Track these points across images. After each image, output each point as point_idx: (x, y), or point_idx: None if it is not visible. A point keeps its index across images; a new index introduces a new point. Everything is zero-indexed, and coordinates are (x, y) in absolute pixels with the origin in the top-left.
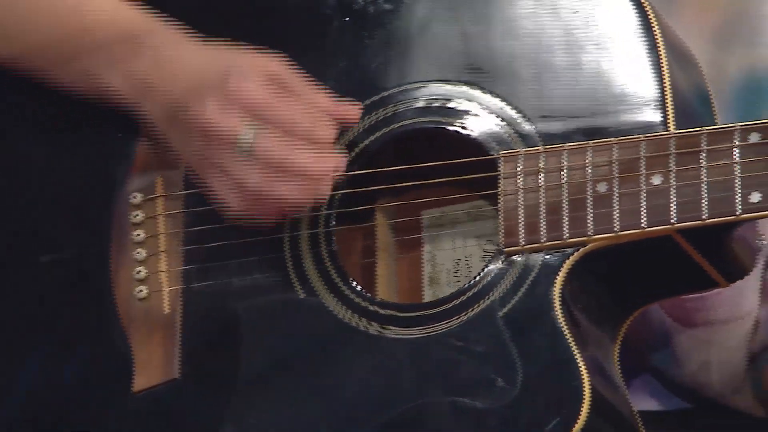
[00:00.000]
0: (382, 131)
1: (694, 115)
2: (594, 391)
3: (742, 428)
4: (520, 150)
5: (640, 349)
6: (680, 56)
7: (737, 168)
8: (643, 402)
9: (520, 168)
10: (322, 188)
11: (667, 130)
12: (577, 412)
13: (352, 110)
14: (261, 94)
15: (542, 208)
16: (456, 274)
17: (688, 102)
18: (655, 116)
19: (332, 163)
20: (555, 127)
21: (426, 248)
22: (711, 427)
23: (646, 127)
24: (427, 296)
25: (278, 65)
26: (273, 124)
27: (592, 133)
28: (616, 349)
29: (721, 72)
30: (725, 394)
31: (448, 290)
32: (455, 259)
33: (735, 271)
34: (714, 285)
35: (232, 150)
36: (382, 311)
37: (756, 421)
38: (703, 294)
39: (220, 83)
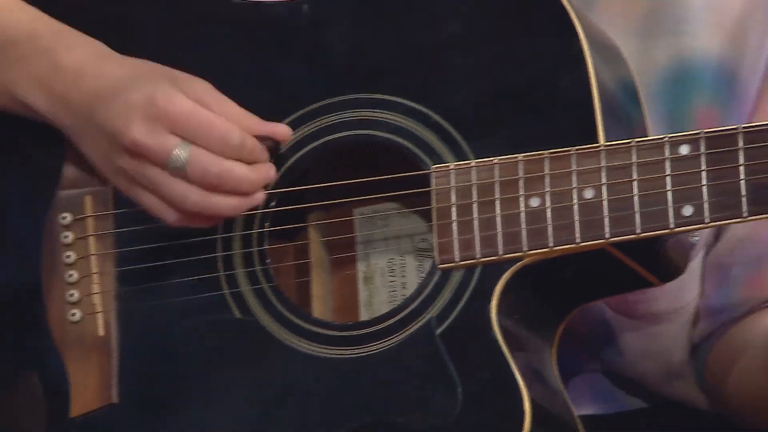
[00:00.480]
0: (310, 146)
1: (622, 110)
2: (534, 404)
3: (688, 429)
4: (452, 164)
5: (585, 345)
6: (604, 51)
7: (669, 181)
8: (585, 406)
9: (452, 183)
10: (258, 197)
11: (594, 135)
12: (520, 429)
13: (280, 127)
14: (189, 111)
15: (476, 224)
16: (391, 274)
17: (615, 97)
18: (582, 114)
19: (265, 172)
20: (484, 135)
21: (359, 248)
22: (656, 428)
23: (574, 125)
24: (363, 304)
25: (202, 84)
26: (203, 139)
27: (522, 138)
28: (554, 351)
29: (648, 63)
30: (669, 383)
31: (384, 293)
32: (389, 258)
33: (669, 272)
34: (648, 285)
35: (164, 167)
36: (319, 330)
37: (701, 421)
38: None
39: (146, 102)
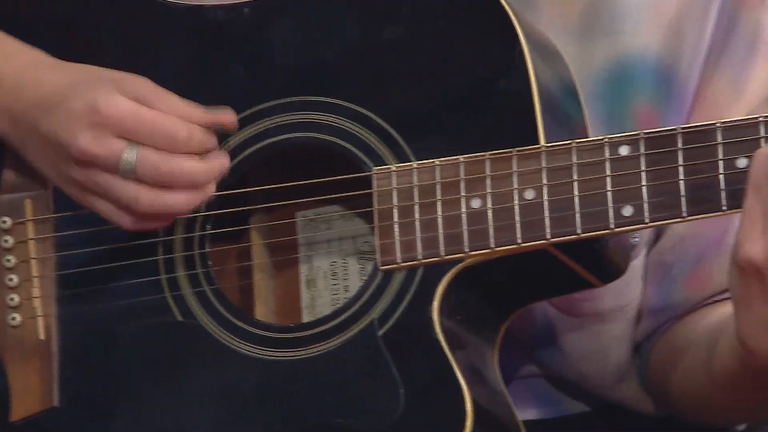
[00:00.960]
0: (253, 149)
1: (562, 110)
2: (476, 405)
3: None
4: (393, 166)
5: (526, 347)
6: (544, 52)
7: (609, 182)
8: (527, 410)
9: (394, 184)
10: (210, 188)
11: (535, 136)
12: (461, 429)
13: (225, 113)
14: (132, 112)
15: (417, 225)
16: (333, 276)
17: (555, 98)
18: (522, 115)
19: (217, 163)
20: (426, 137)
21: (302, 250)
22: (599, 431)
23: (514, 126)
24: (305, 307)
25: (142, 82)
26: (150, 139)
27: (463, 139)
28: (496, 352)
29: (587, 63)
30: (611, 385)
31: (326, 295)
32: (332, 261)
33: (610, 273)
34: (589, 286)
35: (114, 172)
36: (261, 332)
37: (644, 424)
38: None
39: (88, 110)
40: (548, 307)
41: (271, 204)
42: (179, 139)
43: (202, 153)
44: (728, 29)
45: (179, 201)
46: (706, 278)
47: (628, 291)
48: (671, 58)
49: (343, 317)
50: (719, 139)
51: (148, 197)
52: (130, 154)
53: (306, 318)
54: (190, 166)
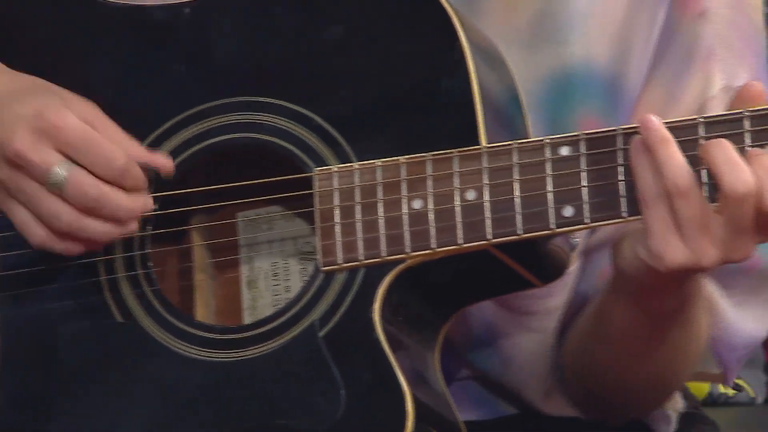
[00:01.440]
0: (194, 149)
1: (504, 115)
2: (417, 405)
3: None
4: (335, 167)
5: (463, 351)
6: (487, 56)
7: (549, 182)
8: (463, 411)
9: (335, 185)
10: (131, 226)
11: (476, 137)
12: (402, 430)
13: (162, 158)
14: (78, 127)
15: (359, 226)
16: (274, 277)
17: (497, 101)
18: (463, 116)
19: (142, 204)
20: (367, 138)
21: (243, 251)
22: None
23: (456, 126)
24: (247, 308)
25: (90, 106)
26: (87, 159)
27: (405, 140)
28: (437, 353)
29: (532, 72)
30: (545, 402)
31: (268, 296)
32: (273, 262)
33: (551, 273)
34: (530, 286)
35: (42, 183)
36: (202, 334)
37: (580, 426)
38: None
39: (34, 115)
40: (487, 311)
41: (212, 205)
42: (115, 167)
43: (131, 189)
44: (668, 39)
45: (98, 230)
46: None
47: (562, 293)
48: (618, 68)
49: (284, 318)
50: None
51: (69, 217)
52: (62, 170)
53: (247, 319)
54: (117, 198)
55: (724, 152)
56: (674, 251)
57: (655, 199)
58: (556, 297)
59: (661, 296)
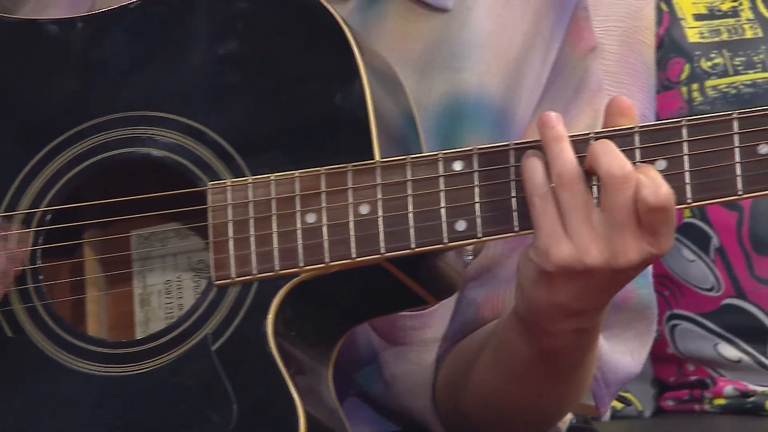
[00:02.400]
0: (86, 163)
1: (399, 134)
2: (309, 420)
3: None
4: (228, 181)
5: (347, 369)
6: (382, 76)
7: (443, 197)
8: (356, 426)
9: (228, 200)
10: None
11: (371, 152)
12: None
13: (19, 251)
14: None
15: (252, 240)
16: (167, 293)
17: (392, 119)
18: (358, 131)
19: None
20: (261, 152)
21: (135, 266)
22: None
23: (350, 141)
24: (139, 323)
25: None
26: None
27: (299, 155)
28: (331, 369)
29: (425, 96)
30: (435, 420)
31: (160, 312)
32: (166, 277)
33: (444, 290)
34: (424, 304)
35: None
36: (94, 348)
37: None
38: (418, 312)
39: None
40: (373, 336)
41: (104, 219)
42: None
43: None
44: (558, 74)
45: None
46: (500, 302)
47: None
48: (509, 98)
49: (176, 332)
50: None
51: None
52: None
53: (140, 335)
54: None
55: (605, 146)
56: (559, 245)
57: (543, 197)
58: (432, 329)
59: (553, 324)
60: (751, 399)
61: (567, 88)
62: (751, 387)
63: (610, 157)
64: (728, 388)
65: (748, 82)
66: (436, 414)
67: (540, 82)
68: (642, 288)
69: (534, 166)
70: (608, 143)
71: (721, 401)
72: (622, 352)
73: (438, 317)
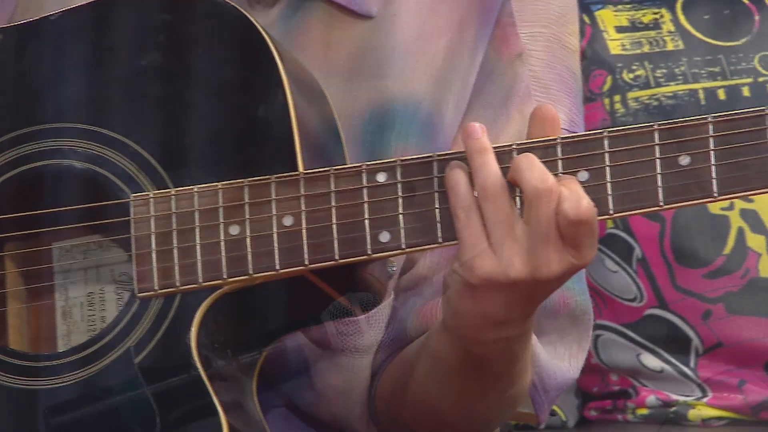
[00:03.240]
0: (6, 176)
1: (323, 148)
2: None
3: None
4: (151, 193)
5: (275, 380)
6: (306, 87)
7: (366, 208)
8: None
9: (151, 212)
10: None
11: (294, 164)
12: None
13: None
14: None
15: (175, 253)
16: (90, 306)
17: (315, 130)
18: (281, 143)
19: None
20: (184, 164)
21: (57, 279)
22: None
23: (273, 153)
24: (61, 336)
25: None
26: None
27: (223, 166)
28: (254, 381)
29: (350, 104)
30: (361, 426)
31: (83, 326)
32: (88, 290)
33: (368, 301)
34: (349, 314)
35: None
36: (13, 361)
37: None
38: (352, 319)
39: None
40: (305, 346)
41: (25, 232)
42: None
43: None
44: (485, 79)
45: None
46: (437, 312)
47: (383, 326)
48: (437, 105)
49: (99, 345)
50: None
51: None
52: None
53: (62, 347)
54: None
55: (528, 159)
56: (482, 258)
57: (466, 209)
58: (365, 336)
59: (480, 333)
60: (674, 409)
61: (496, 94)
62: (674, 397)
63: (533, 170)
64: (651, 398)
65: (670, 94)
66: (371, 423)
67: (467, 88)
68: (579, 294)
69: (457, 178)
70: (531, 157)
71: (644, 411)
72: (560, 359)
73: (372, 324)
